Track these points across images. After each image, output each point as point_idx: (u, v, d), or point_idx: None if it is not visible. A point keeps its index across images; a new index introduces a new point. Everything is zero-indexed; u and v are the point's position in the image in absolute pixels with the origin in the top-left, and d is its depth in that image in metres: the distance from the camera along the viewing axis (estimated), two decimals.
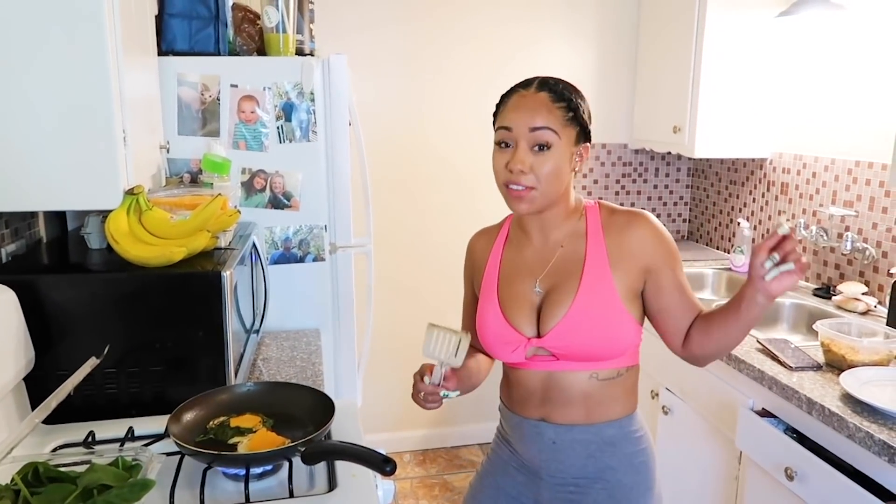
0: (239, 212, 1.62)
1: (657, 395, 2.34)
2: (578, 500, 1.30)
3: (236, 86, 1.99)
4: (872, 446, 1.41)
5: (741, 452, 1.87)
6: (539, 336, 1.26)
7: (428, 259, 3.19)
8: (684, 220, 3.44)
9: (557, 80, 1.27)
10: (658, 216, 3.35)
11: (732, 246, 2.97)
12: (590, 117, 1.28)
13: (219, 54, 2.02)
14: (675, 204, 3.41)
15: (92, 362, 1.19)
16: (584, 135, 1.25)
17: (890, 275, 2.16)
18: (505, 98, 1.29)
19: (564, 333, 1.23)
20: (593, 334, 1.23)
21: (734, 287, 2.73)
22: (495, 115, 1.29)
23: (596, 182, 3.29)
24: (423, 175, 3.11)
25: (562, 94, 1.23)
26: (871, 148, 2.31)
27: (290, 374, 1.75)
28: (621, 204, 3.36)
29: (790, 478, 1.61)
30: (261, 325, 1.92)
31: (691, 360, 1.33)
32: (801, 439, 1.65)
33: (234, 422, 1.27)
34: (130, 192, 1.49)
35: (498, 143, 1.26)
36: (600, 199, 3.28)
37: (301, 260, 2.09)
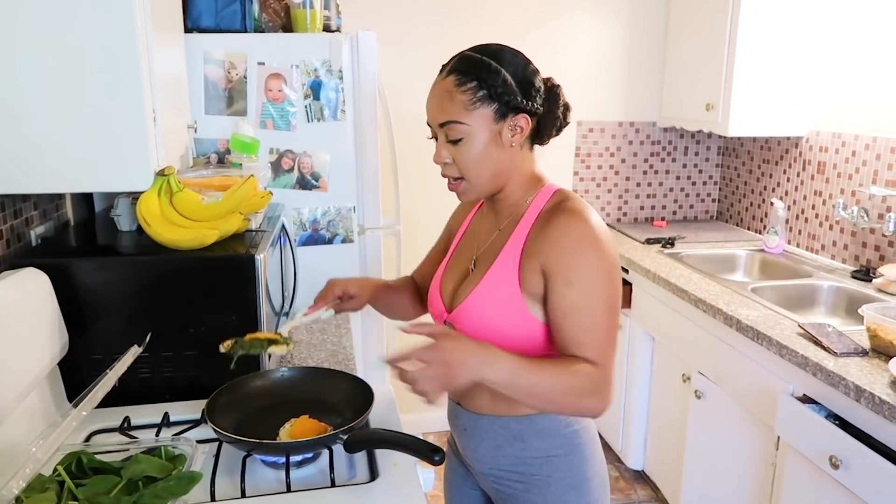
0: (271, 193, 1.59)
1: (689, 378, 2.30)
2: (503, 490, 1.24)
3: (263, 63, 1.95)
4: None
5: (779, 439, 1.83)
6: (449, 311, 1.23)
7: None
8: (714, 200, 3.36)
9: (472, 55, 1.17)
10: (686, 196, 3.33)
11: (764, 227, 2.90)
12: (521, 83, 1.14)
13: (245, 31, 1.98)
14: (705, 183, 3.33)
15: (134, 351, 1.17)
16: (508, 108, 1.12)
17: None
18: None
19: (464, 314, 1.19)
20: (487, 323, 1.16)
21: (767, 269, 2.67)
22: None
23: (624, 161, 3.22)
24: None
25: (469, 73, 1.13)
26: None
27: (321, 357, 1.73)
28: (649, 184, 3.32)
29: (835, 466, 1.57)
30: (290, 308, 1.89)
31: None
32: (844, 426, 1.61)
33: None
34: (161, 174, 1.46)
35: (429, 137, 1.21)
36: (627, 178, 3.23)
37: (329, 241, 2.06)
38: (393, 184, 2.21)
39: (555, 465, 1.20)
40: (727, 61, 2.65)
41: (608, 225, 3.22)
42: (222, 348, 1.27)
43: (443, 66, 1.19)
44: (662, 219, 3.31)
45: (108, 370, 1.02)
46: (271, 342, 1.28)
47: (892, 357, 1.62)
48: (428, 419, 3.30)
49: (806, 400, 1.75)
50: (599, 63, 3.08)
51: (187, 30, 1.94)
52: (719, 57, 2.68)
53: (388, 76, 2.86)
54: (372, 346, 2.17)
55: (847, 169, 2.52)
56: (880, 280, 2.21)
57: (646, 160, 3.25)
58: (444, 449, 0.99)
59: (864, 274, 2.34)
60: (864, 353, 1.71)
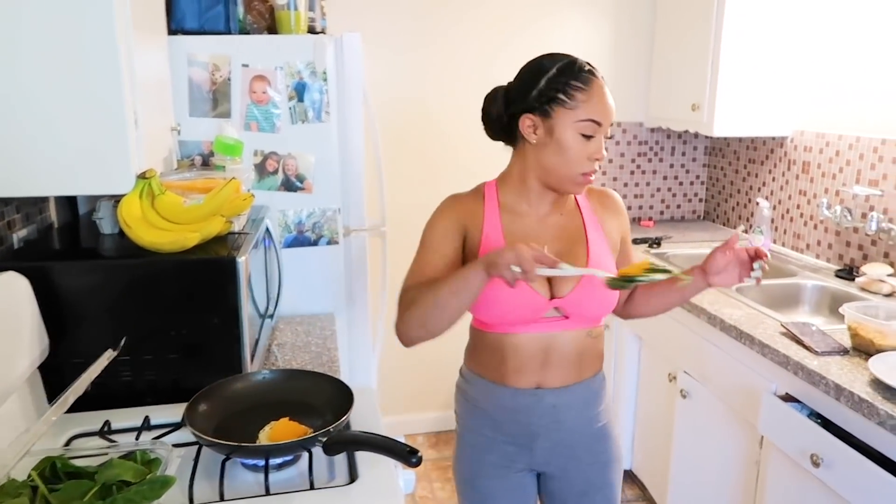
0: (253, 195, 1.59)
1: (674, 378, 2.31)
2: (573, 454, 1.44)
3: (247, 65, 1.95)
4: None
5: (762, 437, 1.85)
6: (555, 297, 1.33)
7: None
8: (700, 200, 3.38)
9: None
10: (673, 196, 3.35)
11: (750, 226, 2.92)
12: None
13: (229, 33, 1.97)
14: (692, 183, 3.35)
15: (108, 355, 1.16)
16: None
17: None
18: (590, 84, 1.28)
19: (582, 295, 1.33)
20: (602, 296, 1.35)
21: None
22: (565, 94, 1.27)
23: (611, 161, 3.23)
24: (438, 155, 3.06)
25: None
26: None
27: (305, 359, 1.73)
28: (636, 184, 3.33)
29: (816, 464, 1.58)
30: (275, 310, 1.89)
31: (624, 316, 1.57)
32: (826, 425, 1.62)
33: None
34: (143, 176, 1.46)
35: (583, 134, 1.28)
36: (615, 178, 3.24)
37: (314, 243, 2.06)
38: (378, 185, 2.21)
39: (611, 412, 1.51)
40: (712, 62, 2.66)
41: None
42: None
43: (588, 64, 1.32)
44: (650, 219, 3.32)
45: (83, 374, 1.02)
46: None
47: (872, 356, 1.63)
48: (418, 420, 3.31)
49: (788, 399, 1.76)
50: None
51: (171, 32, 1.94)
52: (704, 58, 2.69)
53: (374, 77, 2.86)
54: (359, 347, 2.17)
55: (831, 168, 2.54)
56: (863, 279, 2.22)
57: (633, 160, 3.26)
58: (419, 454, 0.99)
59: (848, 273, 2.35)
60: (845, 351, 1.72)
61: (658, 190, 3.32)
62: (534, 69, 1.33)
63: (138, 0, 1.55)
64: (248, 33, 2.04)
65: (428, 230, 1.39)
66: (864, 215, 2.35)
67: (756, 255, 1.37)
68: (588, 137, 1.28)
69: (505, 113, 1.36)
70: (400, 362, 3.24)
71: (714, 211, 3.30)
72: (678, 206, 3.37)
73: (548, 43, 3.03)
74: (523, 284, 1.26)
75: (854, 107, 2.44)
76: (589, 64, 1.32)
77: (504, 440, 1.42)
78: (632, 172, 3.27)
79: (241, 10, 2.04)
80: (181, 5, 1.95)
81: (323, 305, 2.08)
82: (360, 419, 1.36)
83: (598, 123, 1.28)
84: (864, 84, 2.39)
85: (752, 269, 1.37)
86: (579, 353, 1.39)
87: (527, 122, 1.32)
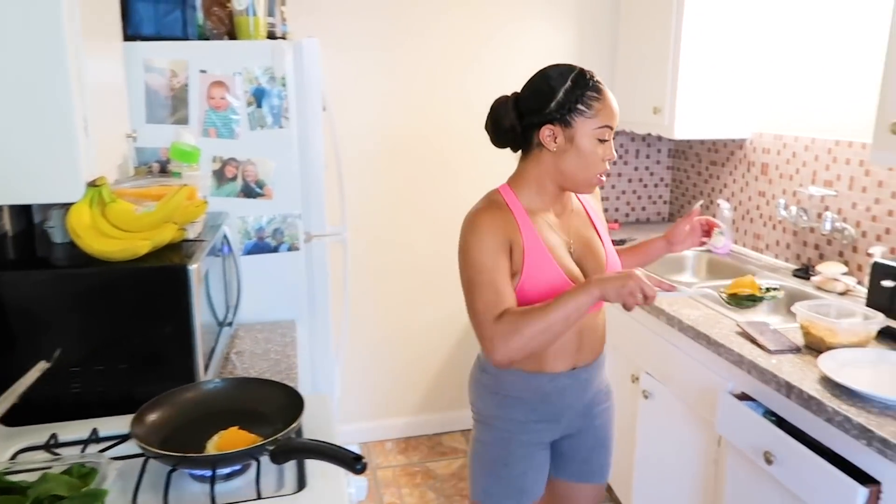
0: (206, 202, 1.58)
1: (637, 379, 2.33)
2: (591, 412, 1.63)
3: (205, 71, 1.93)
4: (850, 429, 1.40)
5: (721, 436, 1.87)
6: None
7: (406, 246, 3.16)
8: (665, 202, 3.42)
9: None
10: (638, 198, 3.39)
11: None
12: None
13: (187, 38, 1.96)
14: (656, 186, 3.39)
15: (41, 366, 1.15)
16: None
17: (869, 255, 2.15)
18: (602, 93, 1.41)
19: None
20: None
21: (714, 268, 2.73)
22: (584, 104, 1.39)
23: None
24: (402, 161, 3.07)
25: None
26: (850, 127, 2.29)
27: (263, 367, 1.72)
28: (601, 187, 3.36)
29: (769, 461, 1.61)
30: (234, 318, 1.88)
31: None
32: (781, 422, 1.65)
33: None
34: (93, 184, 1.44)
35: (600, 139, 1.41)
36: None
37: (275, 250, 2.05)
38: (338, 191, 2.21)
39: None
40: (672, 66, 2.70)
41: None
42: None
43: (597, 78, 1.43)
44: (615, 221, 3.35)
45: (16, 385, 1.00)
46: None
47: (823, 353, 1.66)
48: (386, 426, 3.31)
49: (744, 398, 1.79)
50: None
51: (127, 37, 1.92)
52: (665, 62, 2.73)
53: (338, 82, 2.87)
54: (321, 354, 2.16)
55: (788, 170, 2.59)
56: (818, 278, 2.27)
57: None
58: (363, 460, 0.99)
59: (804, 272, 2.40)
60: (797, 350, 1.75)
61: (623, 192, 3.35)
62: (547, 82, 1.43)
63: (90, 5, 1.54)
64: (207, 39, 2.02)
65: (478, 253, 1.40)
66: (819, 215, 2.40)
67: (709, 225, 1.73)
68: (603, 141, 1.42)
69: (519, 124, 1.45)
70: (368, 369, 3.24)
71: (678, 213, 3.34)
72: (643, 209, 3.41)
73: (513, 48, 3.05)
74: (564, 277, 1.44)
75: (809, 109, 2.49)
76: (591, 72, 1.43)
77: (536, 420, 1.54)
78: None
79: (200, 15, 2.03)
80: (138, 11, 1.94)
81: (284, 312, 2.08)
82: (315, 426, 1.36)
83: (611, 128, 1.42)
84: (819, 87, 2.44)
85: (704, 242, 1.74)
86: (602, 329, 1.59)
87: (546, 132, 1.42)
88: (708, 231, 1.73)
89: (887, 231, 2.18)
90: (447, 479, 2.98)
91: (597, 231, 1.59)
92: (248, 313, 2.04)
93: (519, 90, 1.49)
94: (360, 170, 3.01)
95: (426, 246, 3.17)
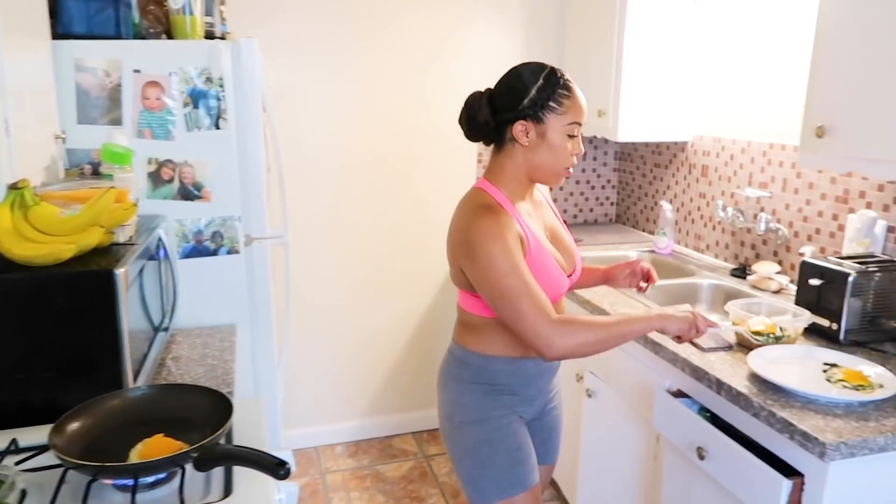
0: (135, 205, 1.54)
1: (581, 378, 2.36)
2: (550, 397, 1.72)
3: (139, 71, 1.89)
4: (775, 424, 1.45)
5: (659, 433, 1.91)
6: (570, 276, 1.61)
7: (353, 249, 3.14)
8: (612, 204, 3.48)
9: None
10: (586, 200, 3.43)
11: (657, 228, 3.02)
12: None
13: (120, 37, 1.91)
14: (603, 187, 3.44)
15: None
16: None
17: (801, 254, 2.22)
18: (572, 91, 1.47)
19: (579, 266, 1.67)
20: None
21: (657, 268, 2.75)
22: (556, 101, 1.45)
23: None
24: (350, 164, 3.05)
25: None
26: (784, 130, 2.37)
27: (199, 373, 1.69)
28: (550, 189, 3.40)
29: (701, 457, 1.65)
30: (170, 323, 1.84)
31: None
32: (715, 419, 1.69)
33: None
34: (14, 187, 1.39)
35: (569, 135, 1.48)
36: None
37: (214, 253, 2.01)
38: (280, 193, 2.18)
39: None
40: (615, 71, 2.74)
41: None
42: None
43: (566, 76, 1.49)
44: (564, 222, 3.39)
45: None
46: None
47: (752, 350, 1.71)
48: (336, 430, 3.28)
49: (680, 395, 1.83)
50: (499, 71, 3.12)
51: (57, 36, 1.87)
52: (609, 66, 2.77)
53: (287, 85, 2.84)
54: (264, 359, 2.13)
55: (726, 172, 2.66)
56: (754, 277, 2.33)
57: None
58: (287, 466, 0.98)
59: (741, 271, 2.46)
60: (729, 347, 1.80)
61: (571, 194, 3.40)
62: (519, 80, 1.49)
63: (13, 2, 1.49)
64: (144, 38, 1.98)
65: (505, 260, 1.41)
66: (755, 216, 2.47)
67: (648, 277, 1.78)
68: (572, 137, 1.49)
69: (493, 119, 1.50)
70: (316, 372, 3.22)
71: (625, 214, 3.40)
72: (591, 210, 3.46)
73: (463, 51, 3.07)
74: (560, 269, 1.55)
75: (746, 113, 2.56)
76: (561, 70, 1.50)
77: (518, 403, 1.61)
78: None
79: (136, 14, 1.98)
80: (68, 8, 1.88)
81: (224, 317, 2.04)
82: (247, 432, 1.34)
83: (580, 124, 1.49)
84: (754, 92, 2.51)
85: (641, 287, 1.79)
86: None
87: (519, 128, 1.48)
88: (647, 279, 1.78)
89: (817, 231, 2.25)
90: (397, 482, 2.97)
91: (566, 225, 1.71)
92: (186, 318, 2.01)
93: (492, 87, 1.54)
94: (306, 172, 2.98)
95: (374, 248, 3.16)
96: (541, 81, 1.46)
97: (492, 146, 1.57)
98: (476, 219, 1.44)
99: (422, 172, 3.13)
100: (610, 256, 2.83)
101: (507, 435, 1.59)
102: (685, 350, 1.79)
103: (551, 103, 1.45)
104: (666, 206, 2.80)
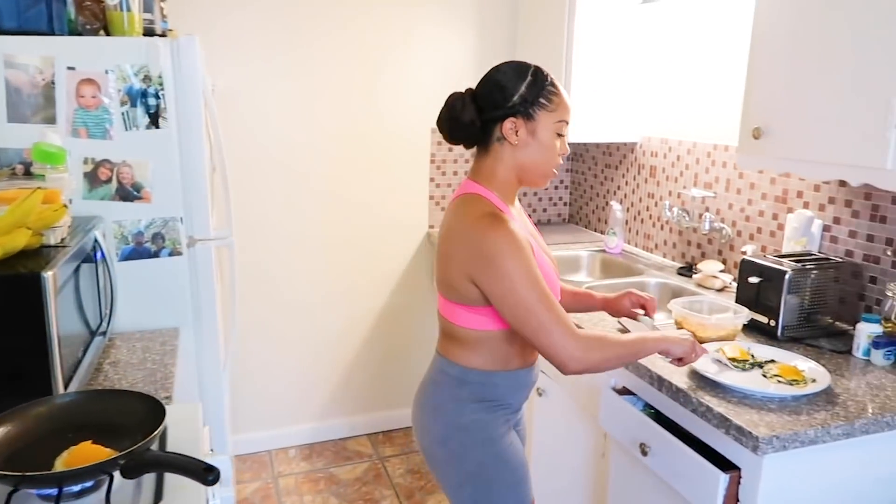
0: (65, 206, 1.49)
1: None
2: (522, 416, 1.67)
3: (73, 68, 1.83)
4: (712, 419, 1.48)
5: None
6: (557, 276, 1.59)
7: (305, 251, 3.11)
8: (565, 204, 3.51)
9: None
10: (540, 200, 3.46)
11: (607, 228, 3.06)
12: None
13: (53, 33, 1.85)
14: (556, 188, 3.48)
15: None
16: None
17: (743, 253, 2.28)
18: (559, 89, 1.45)
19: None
20: None
21: (607, 268, 2.82)
22: (545, 98, 1.42)
23: None
24: (300, 164, 3.02)
25: None
26: (727, 132, 2.42)
27: (137, 378, 1.64)
28: (535, 193, 3.43)
29: (644, 453, 1.67)
30: (108, 327, 1.79)
31: None
32: (659, 415, 1.71)
33: None
34: None
35: (558, 133, 1.46)
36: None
37: (156, 255, 1.96)
38: (224, 193, 2.14)
39: None
40: (566, 72, 2.77)
41: None
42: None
43: (551, 75, 1.46)
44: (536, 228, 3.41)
45: None
46: None
47: None
48: (290, 434, 3.24)
49: (625, 392, 1.85)
50: (451, 73, 3.14)
51: None
52: (559, 69, 2.80)
53: (236, 84, 2.80)
54: (208, 363, 2.09)
55: (673, 172, 2.71)
56: (699, 275, 2.38)
57: None
58: (216, 471, 0.95)
59: (688, 270, 2.51)
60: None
61: (524, 195, 3.42)
62: (506, 77, 1.44)
63: None
64: (81, 34, 1.92)
65: (525, 273, 1.36)
66: (700, 216, 2.52)
67: (648, 306, 1.70)
68: (560, 136, 1.46)
69: (479, 118, 1.45)
70: (268, 376, 3.17)
71: (577, 214, 3.44)
72: (544, 210, 3.48)
73: (416, 53, 3.06)
74: (555, 275, 1.55)
75: (692, 114, 2.61)
76: (544, 69, 1.47)
77: (512, 412, 1.58)
78: None
79: (71, 9, 1.92)
80: None
81: (167, 320, 1.99)
82: (182, 437, 1.31)
83: (567, 122, 1.46)
84: (699, 93, 2.56)
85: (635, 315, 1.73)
86: None
87: (509, 126, 1.43)
88: (645, 308, 1.70)
89: (759, 230, 2.31)
90: (351, 484, 2.95)
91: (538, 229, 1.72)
92: (127, 321, 1.96)
93: (472, 87, 1.49)
94: (256, 172, 2.94)
95: (327, 250, 3.14)
96: (529, 78, 1.43)
97: (474, 148, 1.51)
98: (490, 231, 1.37)
99: (375, 173, 3.12)
100: (561, 256, 2.86)
101: (511, 454, 1.55)
102: None
103: (541, 100, 1.42)
104: (616, 206, 2.84)
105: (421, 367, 3.38)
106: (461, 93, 1.48)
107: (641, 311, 1.70)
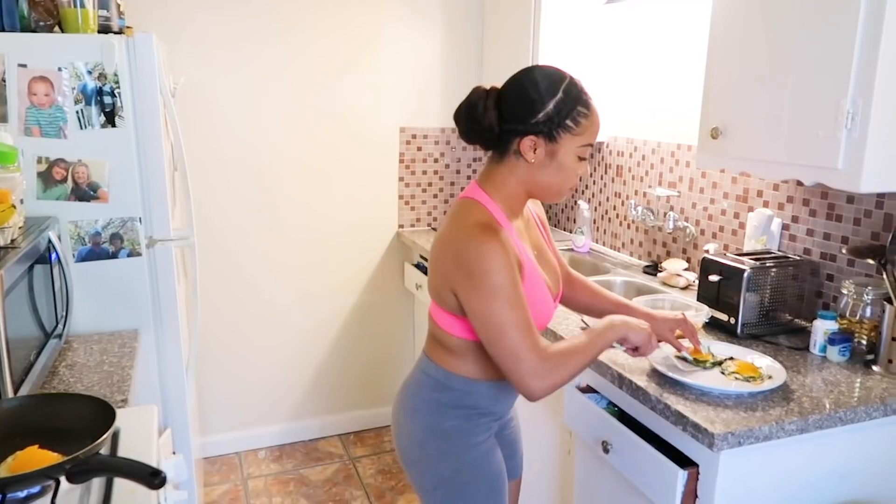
0: (15, 207, 1.46)
1: None
2: (511, 419, 1.69)
3: (25, 66, 1.79)
4: (670, 416, 1.49)
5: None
6: (555, 300, 1.52)
7: (271, 251, 3.08)
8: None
9: None
10: None
11: (575, 227, 3.07)
12: None
13: (4, 29, 1.81)
14: None
15: None
16: None
17: (706, 251, 2.30)
18: (591, 110, 1.35)
19: (561, 287, 1.58)
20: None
21: (575, 266, 2.82)
22: (573, 121, 1.32)
23: (448, 167, 3.30)
24: (266, 164, 2.99)
25: None
26: (690, 132, 2.44)
27: (93, 380, 1.61)
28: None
29: (606, 450, 1.68)
30: (64, 329, 1.76)
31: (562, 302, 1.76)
32: (622, 413, 1.72)
33: None
34: None
35: (580, 157, 1.36)
36: (452, 183, 3.32)
37: (114, 255, 1.93)
38: (184, 193, 2.11)
39: None
40: None
41: (433, 230, 3.28)
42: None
43: (586, 90, 1.36)
44: (548, 239, 3.41)
45: None
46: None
47: None
48: (259, 435, 3.21)
49: (589, 390, 1.86)
50: (419, 73, 3.14)
51: None
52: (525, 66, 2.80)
53: (200, 82, 2.76)
54: (170, 365, 2.06)
55: (639, 172, 2.73)
56: (664, 274, 2.40)
57: (469, 165, 3.35)
58: (162, 475, 0.94)
59: (653, 268, 2.53)
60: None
61: None
62: (536, 89, 1.32)
63: None
64: (33, 31, 1.88)
65: (505, 288, 1.28)
66: (664, 215, 2.54)
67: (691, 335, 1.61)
68: (582, 159, 1.36)
69: (499, 125, 1.34)
70: (235, 377, 3.14)
71: (547, 213, 3.45)
72: None
73: (385, 52, 3.05)
74: (550, 294, 1.47)
75: (656, 114, 2.64)
76: (580, 82, 1.37)
77: (493, 420, 1.54)
78: (468, 177, 3.35)
79: (24, 5, 1.88)
80: None
81: (126, 321, 1.96)
82: (135, 441, 1.29)
83: (592, 145, 1.37)
84: (663, 93, 2.58)
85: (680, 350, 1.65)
86: None
87: (528, 143, 1.33)
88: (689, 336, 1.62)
89: (721, 229, 2.34)
90: (321, 486, 2.93)
91: (544, 237, 1.59)
92: (85, 323, 1.92)
93: (498, 86, 1.38)
94: (220, 171, 2.91)
95: (295, 250, 3.11)
96: (560, 95, 1.31)
97: (490, 151, 1.42)
98: (477, 241, 1.29)
99: (343, 172, 3.10)
100: None
101: (488, 463, 1.51)
102: None
103: (568, 122, 1.31)
104: (583, 205, 2.86)
105: (392, 366, 3.40)
106: (486, 91, 1.37)
107: (688, 345, 1.63)
